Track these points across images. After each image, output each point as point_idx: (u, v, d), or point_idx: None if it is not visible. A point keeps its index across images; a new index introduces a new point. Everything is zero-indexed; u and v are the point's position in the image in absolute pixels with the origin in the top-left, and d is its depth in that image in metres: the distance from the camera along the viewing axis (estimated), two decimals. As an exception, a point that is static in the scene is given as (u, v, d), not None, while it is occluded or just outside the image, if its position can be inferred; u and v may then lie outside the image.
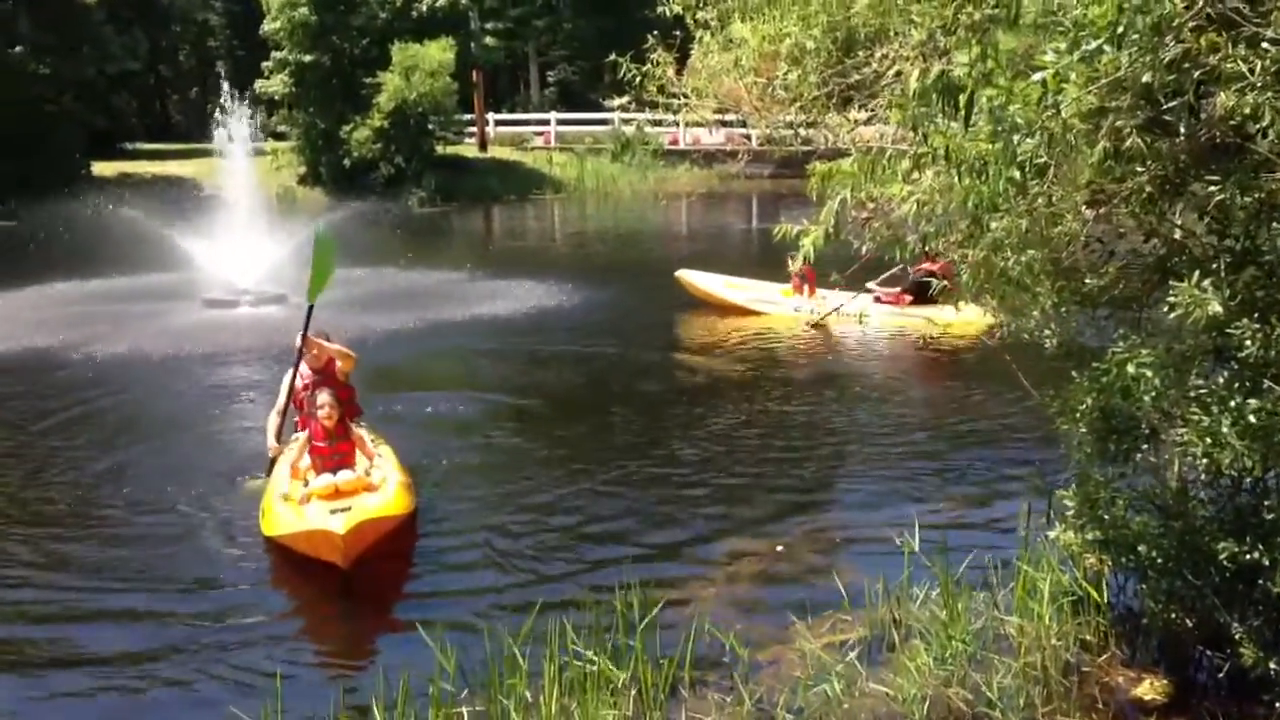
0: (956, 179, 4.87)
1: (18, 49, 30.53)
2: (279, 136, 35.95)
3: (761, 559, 7.00)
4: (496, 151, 38.69)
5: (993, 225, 5.03)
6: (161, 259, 18.09)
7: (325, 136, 33.26)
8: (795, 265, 6.10)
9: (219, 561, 7.18)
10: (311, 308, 8.14)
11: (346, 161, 32.96)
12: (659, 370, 12.65)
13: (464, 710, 4.83)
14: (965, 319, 14.88)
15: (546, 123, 41.18)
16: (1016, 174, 4.54)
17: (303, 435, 7.83)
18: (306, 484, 7.19)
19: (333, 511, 6.44)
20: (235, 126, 22.00)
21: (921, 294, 14.40)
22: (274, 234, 19.06)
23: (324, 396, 7.39)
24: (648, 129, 35.82)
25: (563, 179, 37.28)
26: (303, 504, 6.86)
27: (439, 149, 34.58)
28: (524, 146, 39.59)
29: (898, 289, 14.93)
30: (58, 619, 6.48)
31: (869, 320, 14.66)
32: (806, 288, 15.46)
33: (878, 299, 14.98)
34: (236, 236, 18.52)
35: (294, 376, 8.27)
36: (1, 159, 28.79)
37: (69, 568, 7.16)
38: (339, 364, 8.08)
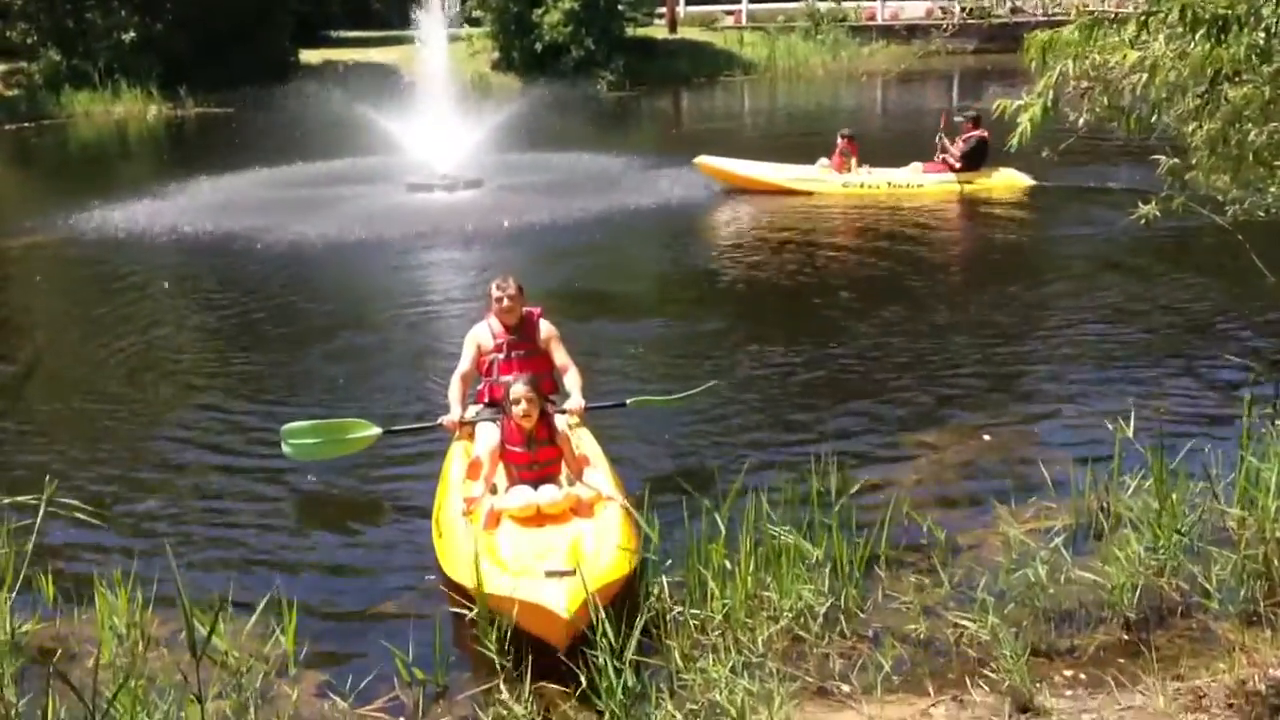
0: (1192, 43, 4.53)
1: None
2: (474, 22, 36.32)
3: (965, 446, 6.88)
4: (686, 32, 38.08)
5: (1231, 94, 4.67)
6: (366, 143, 18.67)
7: (518, 20, 33.36)
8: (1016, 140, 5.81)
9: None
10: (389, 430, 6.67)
11: (538, 45, 33.04)
12: (836, 252, 12.46)
13: (663, 579, 4.95)
14: (1008, 180, 14.81)
15: (738, 1, 40.19)
16: (1261, 37, 4.18)
17: (483, 411, 6.24)
18: (494, 491, 5.56)
19: (549, 574, 4.54)
20: (433, 12, 22.32)
21: (972, 160, 14.52)
22: (469, 119, 19.42)
23: (521, 387, 5.50)
24: (844, 3, 34.66)
25: (753, 59, 36.46)
26: (489, 528, 5.21)
27: (628, 30, 34.31)
28: (714, 26, 38.82)
29: (949, 155, 15.19)
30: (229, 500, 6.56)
31: (922, 188, 15.04)
32: (853, 161, 15.39)
33: (929, 169, 15.21)
34: (435, 121, 18.92)
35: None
36: (215, 48, 30.09)
37: (240, 451, 7.30)
38: (544, 330, 6.34)
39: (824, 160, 15.66)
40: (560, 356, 6.31)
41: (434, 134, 18.27)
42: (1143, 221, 5.71)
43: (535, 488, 5.41)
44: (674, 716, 4.02)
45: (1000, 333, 9.13)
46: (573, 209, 14.41)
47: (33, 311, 11.80)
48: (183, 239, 13.83)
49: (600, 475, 5.68)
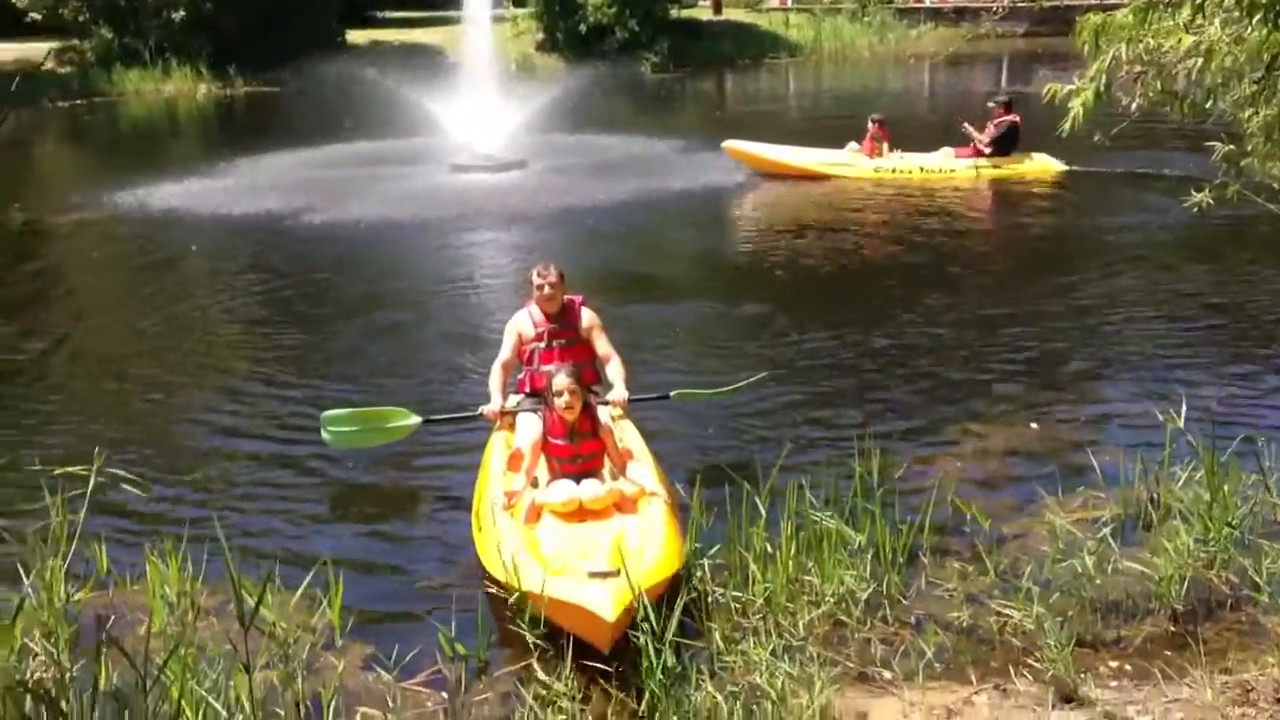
0: (1249, 27, 4.45)
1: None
2: (519, 3, 36.34)
3: (1011, 435, 6.81)
4: (731, 14, 37.92)
5: (1291, 79, 4.59)
6: (410, 124, 18.75)
7: (562, 2, 33.36)
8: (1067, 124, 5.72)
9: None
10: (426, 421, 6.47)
11: (582, 27, 33.03)
12: (874, 238, 12.38)
13: (705, 562, 4.96)
14: (1041, 165, 14.81)
15: (783, -17, 39.94)
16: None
17: (524, 401, 6.18)
18: (535, 484, 5.45)
19: (592, 574, 4.42)
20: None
21: (1002, 145, 14.56)
22: (513, 100, 19.45)
23: (563, 379, 5.36)
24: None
25: (799, 41, 36.24)
26: (530, 522, 5.12)
27: (673, 12, 34.17)
28: (759, 8, 38.63)
29: (978, 141, 15.17)
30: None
31: (954, 173, 15.04)
32: (884, 146, 15.39)
33: (961, 153, 15.20)
34: (479, 102, 18.96)
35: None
36: (264, 27, 30.31)
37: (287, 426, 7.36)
38: (586, 319, 6.22)
39: (854, 144, 15.59)
40: (602, 346, 6.20)
41: (478, 115, 18.32)
42: (1196, 209, 5.63)
43: (577, 481, 5.27)
44: (714, 698, 4.02)
45: (1047, 321, 9.03)
46: (614, 191, 14.41)
47: (81, 287, 11.98)
48: (229, 217, 13.96)
49: (644, 469, 5.54)
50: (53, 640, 4.38)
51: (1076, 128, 5.90)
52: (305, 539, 5.81)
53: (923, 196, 14.33)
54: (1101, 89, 5.77)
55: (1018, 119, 14.98)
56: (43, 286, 11.42)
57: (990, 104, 15.64)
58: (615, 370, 6.16)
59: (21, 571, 4.75)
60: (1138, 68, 5.86)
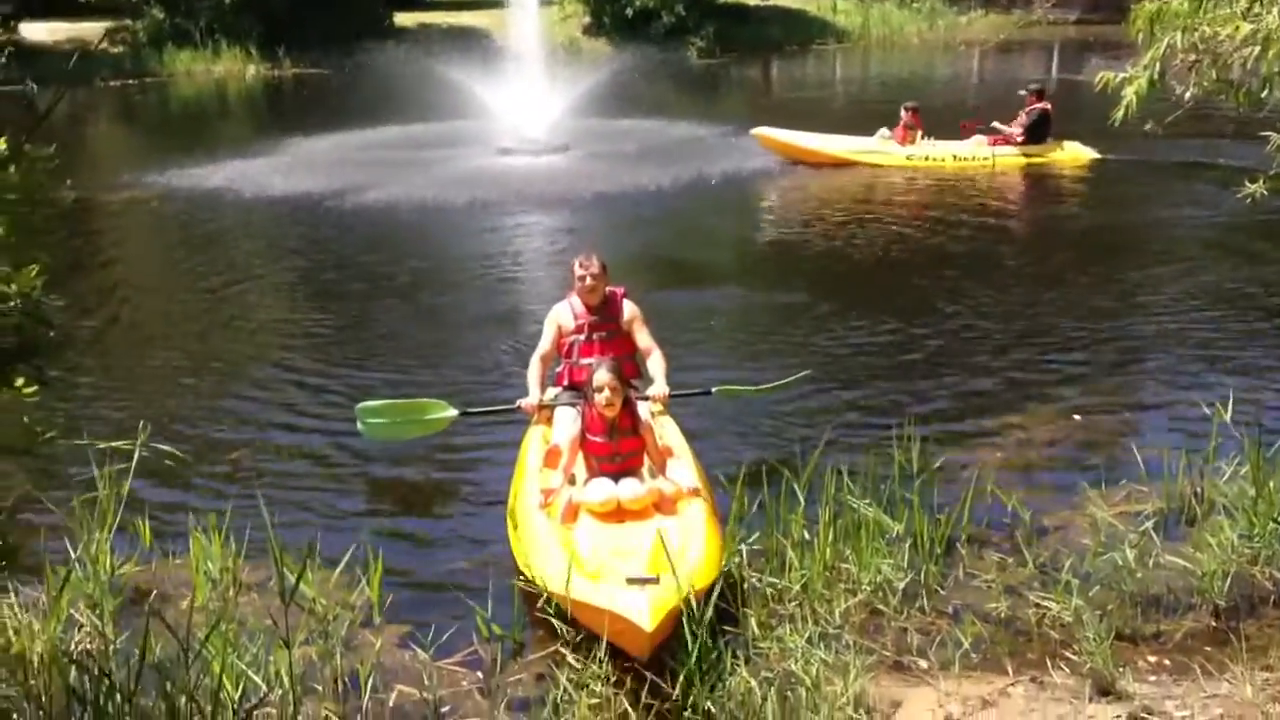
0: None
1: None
2: (566, -14, 36.31)
3: (1053, 427, 6.75)
4: (778, -1, 37.65)
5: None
6: (457, 107, 18.80)
7: (609, -16, 33.32)
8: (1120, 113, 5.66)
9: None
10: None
11: (629, 11, 32.92)
12: (912, 226, 12.28)
13: (743, 548, 4.96)
14: (1073, 154, 14.89)
15: (832, -33, 39.56)
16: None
17: (562, 395, 6.06)
18: (572, 481, 5.29)
19: (630, 581, 4.25)
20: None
21: (1034, 133, 14.52)
22: (559, 84, 19.45)
23: (604, 374, 5.17)
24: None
25: (847, 27, 35.94)
26: (567, 521, 5.00)
27: (720, -4, 34.03)
28: (807, -7, 38.31)
29: (1010, 129, 15.13)
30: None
31: (987, 161, 14.97)
32: (917, 134, 15.33)
33: (994, 141, 15.13)
34: (525, 86, 18.98)
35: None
36: (313, 9, 30.48)
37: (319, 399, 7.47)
38: (627, 311, 6.10)
39: (884, 131, 15.50)
40: (644, 339, 6.07)
41: (524, 99, 18.34)
42: (1249, 200, 5.54)
43: (616, 480, 5.10)
44: (748, 683, 4.02)
45: (1092, 312, 8.91)
46: (656, 177, 14.38)
47: (129, 264, 12.17)
48: (275, 198, 14.09)
49: (685, 467, 5.38)
50: (97, 612, 4.47)
51: (1130, 116, 5.81)
52: (345, 519, 5.87)
53: (959, 184, 14.25)
54: (1155, 77, 5.69)
55: (1049, 106, 15.01)
56: (91, 263, 11.59)
57: (1021, 92, 15.61)
58: (656, 364, 6.04)
59: (68, 544, 4.84)
60: (1192, 56, 5.77)
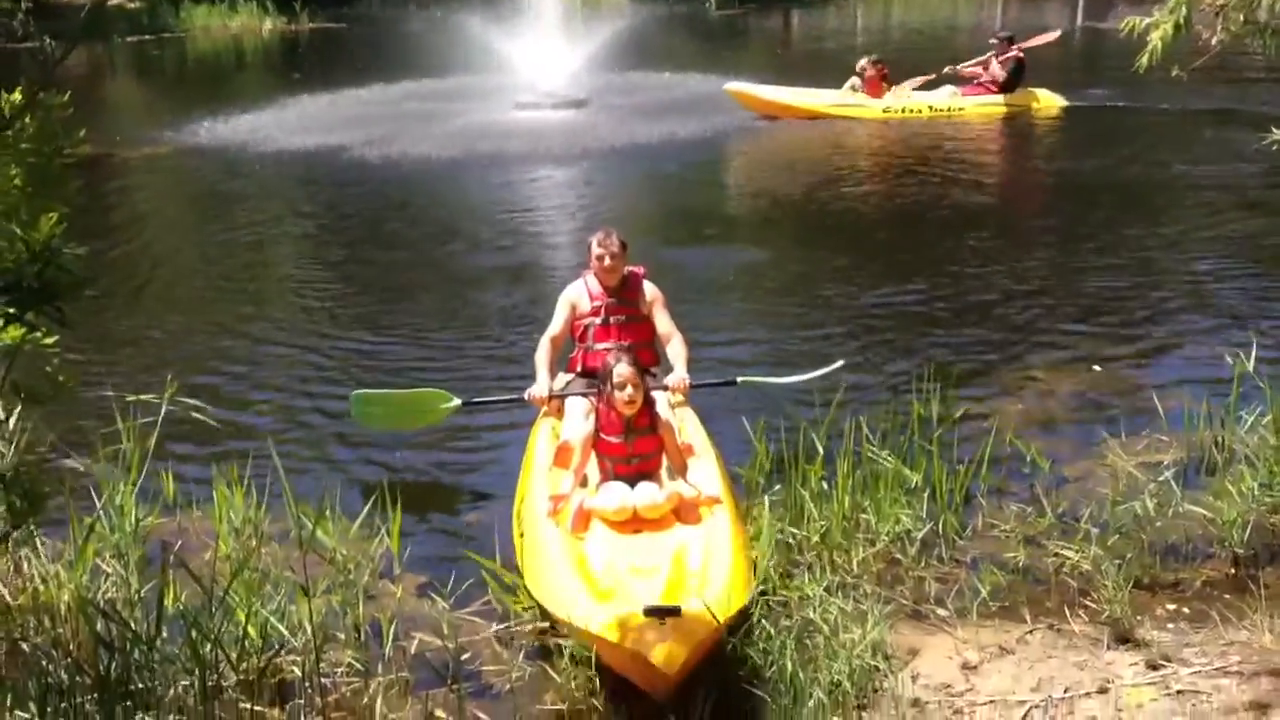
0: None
1: None
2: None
3: (1073, 378, 6.70)
4: (799, -52, 37.12)
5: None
6: (475, 61, 18.69)
7: (629, -66, 32.93)
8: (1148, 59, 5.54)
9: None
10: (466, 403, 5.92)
11: (648, -39, 32.59)
12: (913, 178, 12.16)
13: (766, 499, 4.97)
14: (1047, 101, 15.18)
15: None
16: None
17: (574, 383, 5.54)
18: (584, 483, 4.79)
19: (649, 611, 3.62)
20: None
21: (1009, 80, 14.62)
22: (577, 38, 19.30)
23: (625, 369, 4.63)
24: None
25: (868, -25, 35.48)
26: (578, 530, 4.51)
27: (740, -53, 33.62)
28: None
29: (986, 77, 15.35)
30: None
31: (963, 110, 15.12)
32: (886, 85, 15.47)
33: (967, 91, 15.35)
34: (543, 40, 18.84)
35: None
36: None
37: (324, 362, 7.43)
38: (648, 293, 5.60)
39: (855, 81, 15.52)
40: (664, 323, 5.57)
41: (542, 52, 18.21)
42: (1275, 147, 5.44)
43: (631, 484, 4.61)
44: (768, 631, 4.05)
45: (1111, 264, 8.84)
46: (670, 130, 14.36)
47: (148, 220, 12.19)
48: (293, 153, 14.09)
49: (706, 468, 4.87)
50: (123, 562, 4.52)
51: (1155, 61, 5.71)
52: (363, 472, 5.89)
53: (943, 135, 14.25)
54: (1181, 21, 5.58)
55: (1023, 54, 15.26)
56: (110, 219, 11.60)
57: (992, 40, 15.88)
58: (676, 351, 5.55)
59: (94, 494, 4.90)
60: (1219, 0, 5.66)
